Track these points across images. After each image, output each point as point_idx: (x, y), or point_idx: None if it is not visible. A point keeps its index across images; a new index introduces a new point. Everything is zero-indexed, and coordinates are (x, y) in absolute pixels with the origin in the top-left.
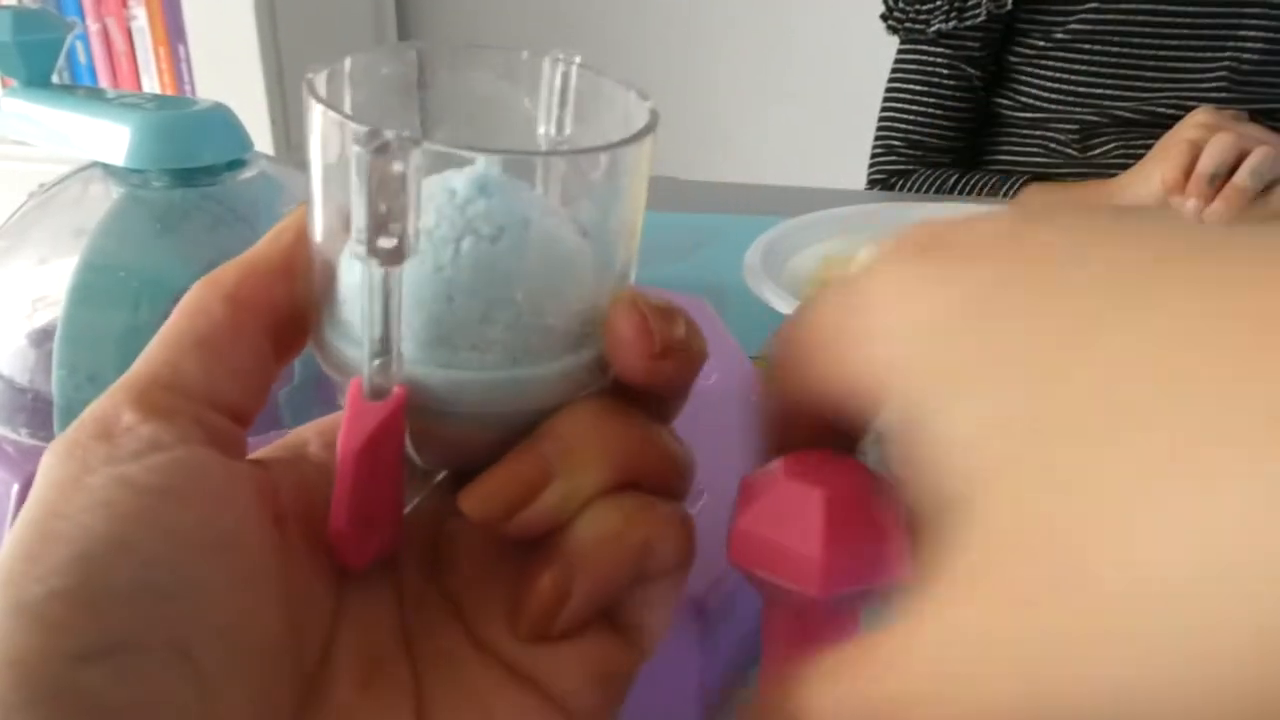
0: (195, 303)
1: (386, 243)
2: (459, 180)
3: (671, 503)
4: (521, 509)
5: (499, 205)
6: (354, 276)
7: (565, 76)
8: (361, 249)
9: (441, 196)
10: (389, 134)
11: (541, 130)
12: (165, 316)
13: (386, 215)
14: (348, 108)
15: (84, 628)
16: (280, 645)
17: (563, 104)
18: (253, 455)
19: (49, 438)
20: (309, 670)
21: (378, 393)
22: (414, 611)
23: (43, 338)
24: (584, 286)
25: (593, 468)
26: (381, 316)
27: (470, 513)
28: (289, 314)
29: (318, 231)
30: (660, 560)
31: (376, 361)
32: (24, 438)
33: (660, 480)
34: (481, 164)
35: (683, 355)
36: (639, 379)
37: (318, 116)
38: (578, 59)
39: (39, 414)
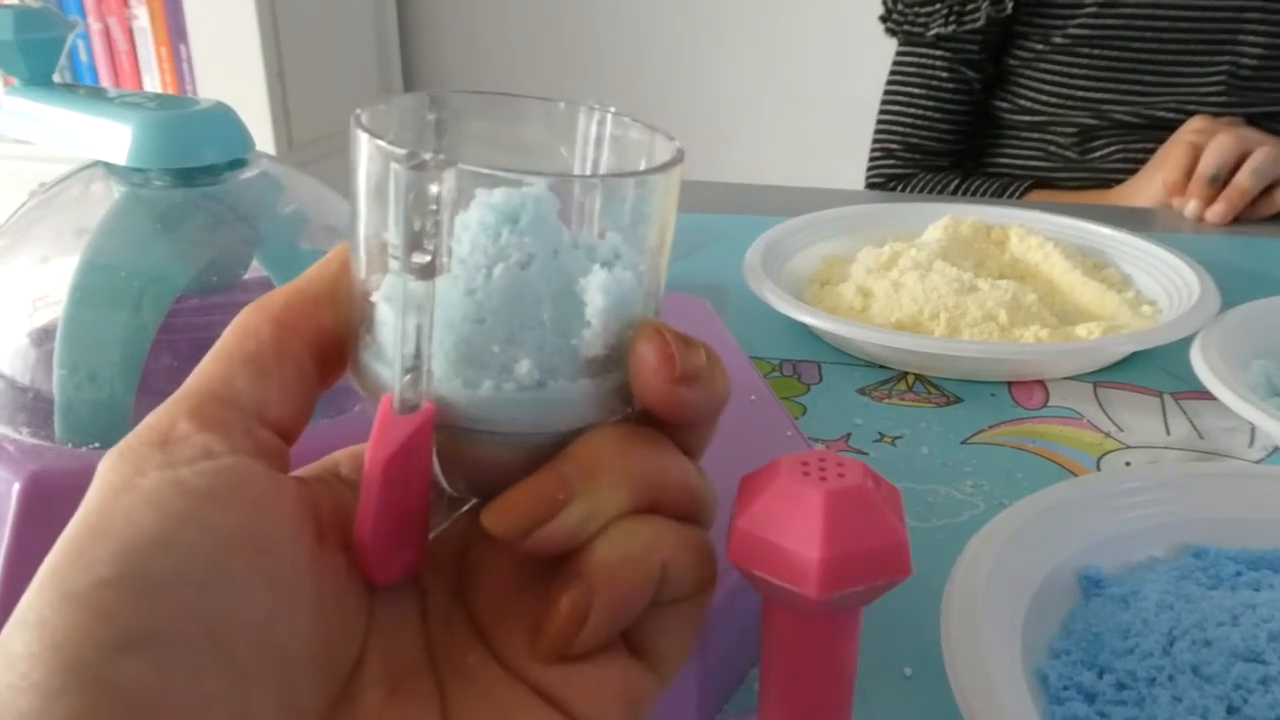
0: (245, 324)
1: (420, 258)
2: (492, 213)
3: (692, 528)
4: (541, 526)
5: (530, 236)
6: (390, 297)
7: (600, 124)
8: (396, 264)
9: (476, 227)
10: (426, 155)
11: (577, 174)
12: (168, 317)
13: (421, 232)
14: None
15: (126, 616)
16: (311, 648)
17: (597, 149)
18: (291, 474)
19: (49, 437)
20: (340, 677)
21: (407, 407)
22: (440, 631)
23: (43, 337)
24: (608, 314)
25: (613, 490)
26: (413, 332)
27: (491, 527)
28: (333, 339)
29: (359, 261)
30: (679, 584)
31: (407, 376)
32: (24, 437)
33: (681, 507)
34: (516, 198)
35: (703, 385)
36: (659, 403)
37: (363, 146)
38: (612, 108)
39: (39, 413)
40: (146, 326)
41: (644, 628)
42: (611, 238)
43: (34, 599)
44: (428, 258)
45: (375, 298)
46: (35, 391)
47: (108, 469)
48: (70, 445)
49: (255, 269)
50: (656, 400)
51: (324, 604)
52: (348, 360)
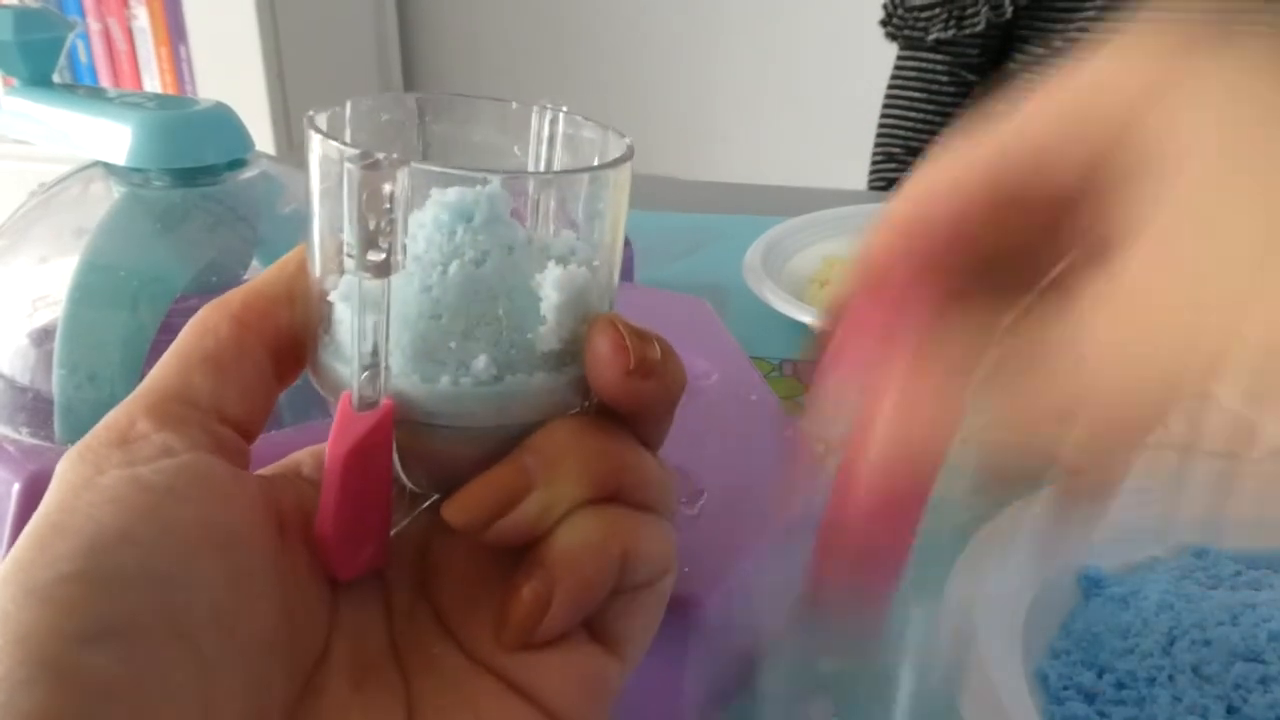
0: (204, 322)
1: (375, 256)
2: (447, 211)
3: (650, 515)
4: (501, 517)
5: (484, 233)
6: (347, 295)
7: (552, 123)
8: (351, 262)
9: (431, 225)
10: (379, 154)
11: (530, 171)
12: (168, 317)
13: (376, 230)
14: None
15: (89, 609)
16: (276, 640)
17: (550, 148)
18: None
19: (49, 437)
20: (305, 670)
21: (365, 403)
22: (403, 625)
23: (43, 337)
24: (563, 309)
25: (572, 479)
26: (370, 330)
27: (452, 520)
28: (290, 338)
29: (316, 261)
30: (640, 570)
31: (365, 373)
32: (24, 437)
33: (639, 495)
34: (470, 195)
35: (658, 377)
36: (614, 394)
37: (317, 147)
38: (564, 108)
39: (39, 413)
40: (146, 326)
41: (606, 614)
42: (565, 234)
43: None
44: (383, 256)
45: (333, 297)
46: (35, 391)
47: (67, 469)
48: (70, 445)
49: (255, 269)
50: (612, 392)
51: (287, 598)
52: (306, 360)
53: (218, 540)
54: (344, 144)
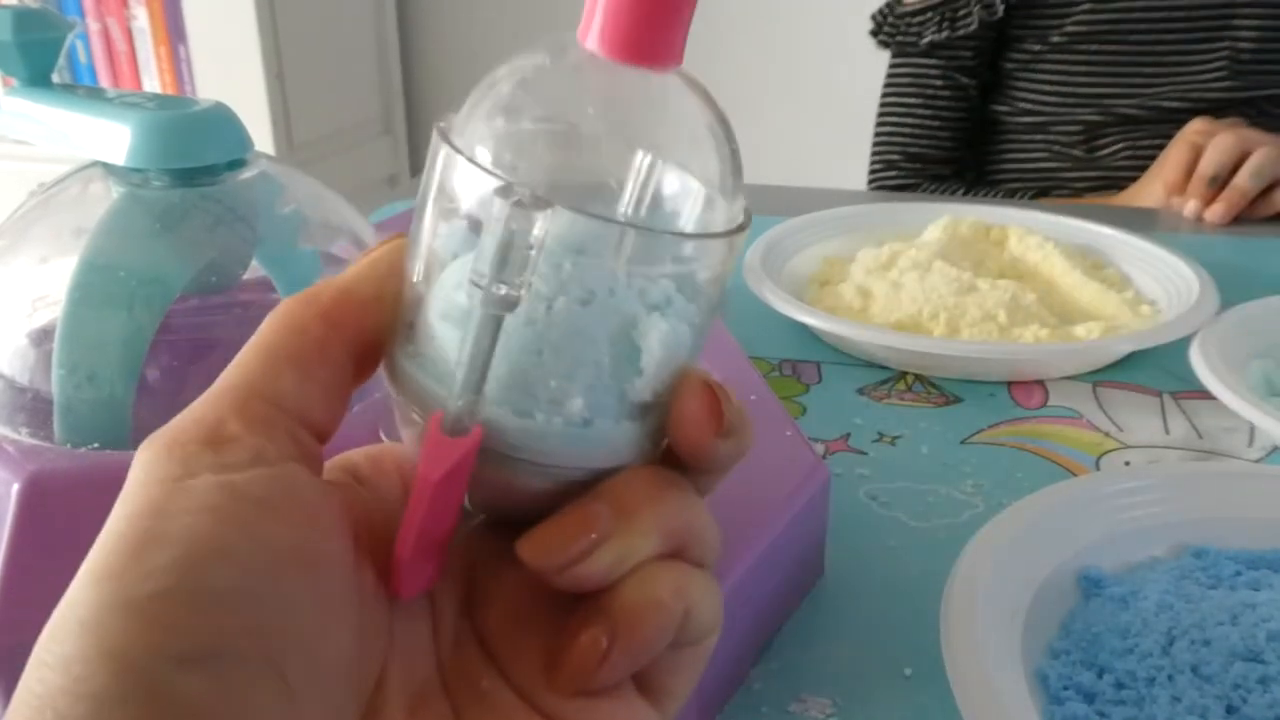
0: (290, 320)
1: (503, 290)
2: (557, 244)
3: (707, 573)
4: (577, 563)
5: (590, 271)
6: (450, 315)
7: (651, 166)
8: (479, 293)
9: (538, 256)
10: (525, 190)
11: (621, 210)
12: (168, 317)
13: (510, 265)
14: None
15: (187, 629)
16: (349, 666)
17: (644, 189)
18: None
19: (49, 437)
20: (367, 693)
21: (458, 429)
22: (450, 651)
23: (43, 337)
24: (662, 364)
25: (647, 533)
26: (480, 359)
27: (528, 559)
28: (373, 340)
29: (416, 267)
30: (695, 629)
31: (462, 400)
32: (24, 437)
33: (699, 553)
34: (579, 231)
35: (737, 437)
36: (699, 455)
37: (456, 163)
38: (662, 156)
39: (39, 413)
40: (145, 327)
41: (654, 669)
42: (664, 284)
43: (85, 598)
44: (510, 291)
45: (432, 314)
46: (35, 391)
47: (152, 461)
48: (70, 445)
49: (255, 269)
50: (695, 451)
51: (359, 620)
52: (382, 363)
53: (308, 562)
54: (490, 171)
